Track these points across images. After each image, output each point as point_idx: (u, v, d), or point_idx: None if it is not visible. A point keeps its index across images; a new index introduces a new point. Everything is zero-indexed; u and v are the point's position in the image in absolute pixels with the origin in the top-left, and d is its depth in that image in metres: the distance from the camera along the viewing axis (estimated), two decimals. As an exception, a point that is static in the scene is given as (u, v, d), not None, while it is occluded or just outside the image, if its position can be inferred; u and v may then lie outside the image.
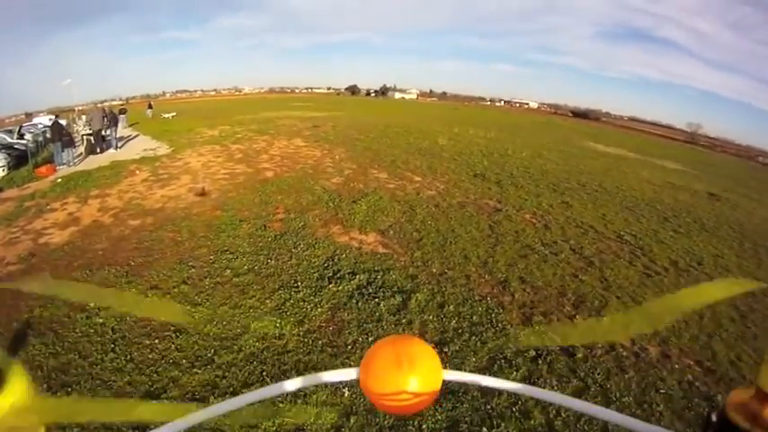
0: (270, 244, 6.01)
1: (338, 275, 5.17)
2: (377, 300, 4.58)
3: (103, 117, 13.24)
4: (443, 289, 4.85)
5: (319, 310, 4.40)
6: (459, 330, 4.07)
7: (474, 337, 3.97)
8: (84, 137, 13.27)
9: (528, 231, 6.97)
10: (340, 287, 4.86)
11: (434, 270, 5.37)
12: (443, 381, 0.47)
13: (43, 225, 7.06)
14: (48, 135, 12.84)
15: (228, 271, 5.17)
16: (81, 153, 12.95)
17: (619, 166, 16.13)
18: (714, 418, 0.38)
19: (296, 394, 3.10)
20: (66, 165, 11.32)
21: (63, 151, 11.31)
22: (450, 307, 4.45)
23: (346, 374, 0.49)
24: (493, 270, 5.46)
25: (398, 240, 6.38)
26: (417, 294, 4.67)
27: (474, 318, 4.29)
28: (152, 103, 33.35)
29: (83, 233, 6.59)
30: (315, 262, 5.54)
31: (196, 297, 4.59)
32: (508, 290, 4.93)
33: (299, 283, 4.92)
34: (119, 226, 6.80)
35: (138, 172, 10.35)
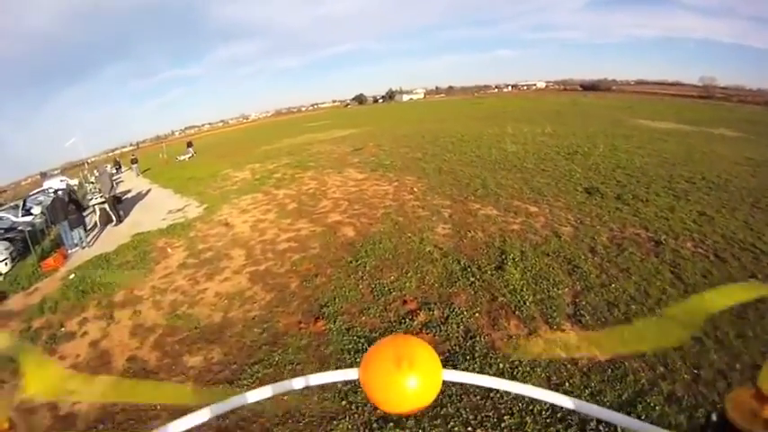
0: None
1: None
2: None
3: (117, 168, 10.98)
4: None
5: None
6: None
7: None
8: (97, 206, 10.99)
9: (714, 273, 5.11)
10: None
11: (685, 375, 3.42)
12: (443, 380, 0.46)
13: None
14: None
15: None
16: (95, 222, 10.70)
17: (689, 144, 14.33)
18: (714, 417, 0.36)
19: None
20: (78, 247, 9.01)
21: (72, 231, 8.98)
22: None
23: (347, 374, 0.48)
24: (740, 356, 3.62)
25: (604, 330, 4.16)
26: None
27: None
28: (192, 142, 27.65)
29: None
30: (538, 410, 2.95)
31: None
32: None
33: None
34: (172, 371, 4.28)
35: (170, 250, 7.87)
